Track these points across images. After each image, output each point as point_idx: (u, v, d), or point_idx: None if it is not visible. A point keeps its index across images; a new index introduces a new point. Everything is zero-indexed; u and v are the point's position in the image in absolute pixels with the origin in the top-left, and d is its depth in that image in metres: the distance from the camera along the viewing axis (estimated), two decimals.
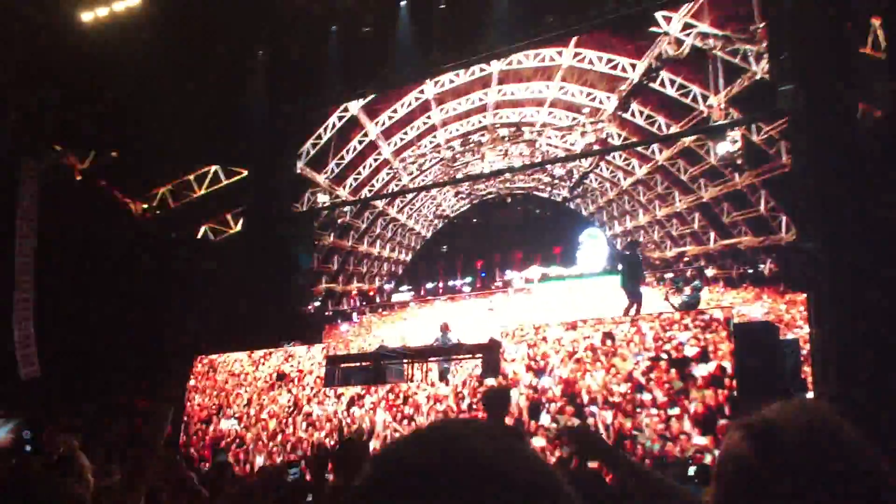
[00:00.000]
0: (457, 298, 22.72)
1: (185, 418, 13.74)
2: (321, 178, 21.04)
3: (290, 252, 18.45)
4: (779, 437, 1.15)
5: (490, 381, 10.76)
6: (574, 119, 21.27)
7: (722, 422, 8.71)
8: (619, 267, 13.57)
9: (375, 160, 22.97)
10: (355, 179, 22.59)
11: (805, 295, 11.99)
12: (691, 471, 7.80)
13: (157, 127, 15.61)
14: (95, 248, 16.40)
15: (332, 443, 11.41)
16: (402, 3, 16.76)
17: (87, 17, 15.21)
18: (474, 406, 10.67)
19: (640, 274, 13.23)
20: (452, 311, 21.29)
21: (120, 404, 15.48)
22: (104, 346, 15.94)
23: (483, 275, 23.29)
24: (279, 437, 12.35)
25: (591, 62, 19.06)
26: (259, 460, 12.16)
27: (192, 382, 14.04)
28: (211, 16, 15.53)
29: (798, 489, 1.08)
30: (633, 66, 18.35)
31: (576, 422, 9.76)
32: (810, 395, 9.75)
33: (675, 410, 9.14)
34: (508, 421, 10.07)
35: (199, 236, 19.12)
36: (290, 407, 12.53)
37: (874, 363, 9.15)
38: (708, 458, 8.45)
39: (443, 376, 12.44)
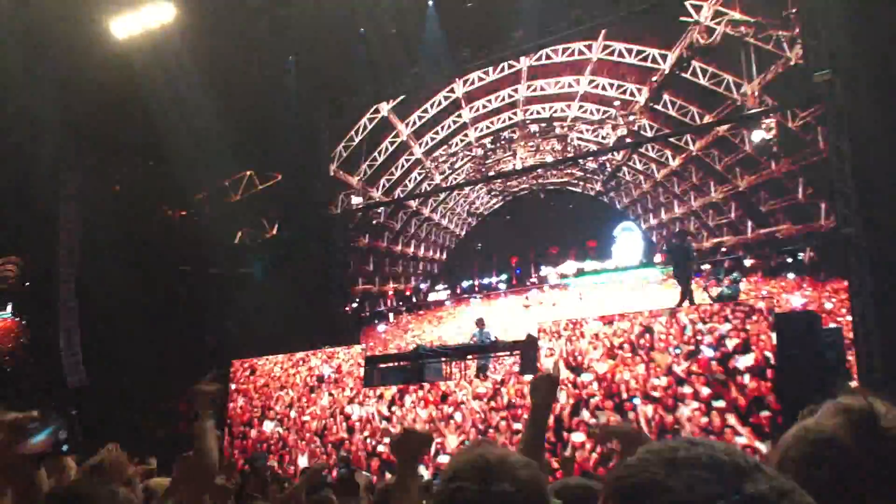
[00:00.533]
0: (492, 296, 22.68)
1: (228, 421, 13.93)
2: (354, 180, 21.17)
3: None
4: (882, 426, 1.09)
5: (528, 378, 10.76)
6: (605, 112, 21.12)
7: (765, 413, 8.62)
8: (666, 258, 13.19)
9: (407, 160, 23.02)
10: (388, 180, 22.67)
11: (846, 283, 11.81)
12: None
13: (192, 135, 15.84)
14: (136, 255, 16.69)
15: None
16: (430, 3, 16.79)
17: (120, 32, 15.48)
18: (513, 402, 10.68)
19: (689, 263, 12.97)
20: (489, 309, 21.28)
21: (162, 409, 15.75)
22: (146, 351, 16.21)
23: (518, 271, 23.19)
24: (321, 439, 12.48)
25: (621, 54, 18.91)
26: (302, 461, 12.30)
27: (233, 386, 14.22)
28: (241, 25, 15.73)
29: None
30: (664, 56, 18.17)
31: (617, 418, 9.72)
32: (854, 383, 9.60)
33: (720, 403, 9.06)
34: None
35: (236, 241, 19.35)
36: (330, 408, 12.65)
37: None
38: (756, 456, 8.37)
39: (482, 373, 12.45)
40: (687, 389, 9.32)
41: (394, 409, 11.84)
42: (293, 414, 13.06)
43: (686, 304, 11.55)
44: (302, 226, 18.81)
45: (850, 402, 1.17)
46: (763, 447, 8.38)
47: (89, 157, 17.10)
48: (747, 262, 16.24)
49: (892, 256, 10.00)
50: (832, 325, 10.89)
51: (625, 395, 9.78)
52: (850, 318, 11.44)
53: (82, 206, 17.00)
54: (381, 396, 12.12)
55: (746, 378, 8.92)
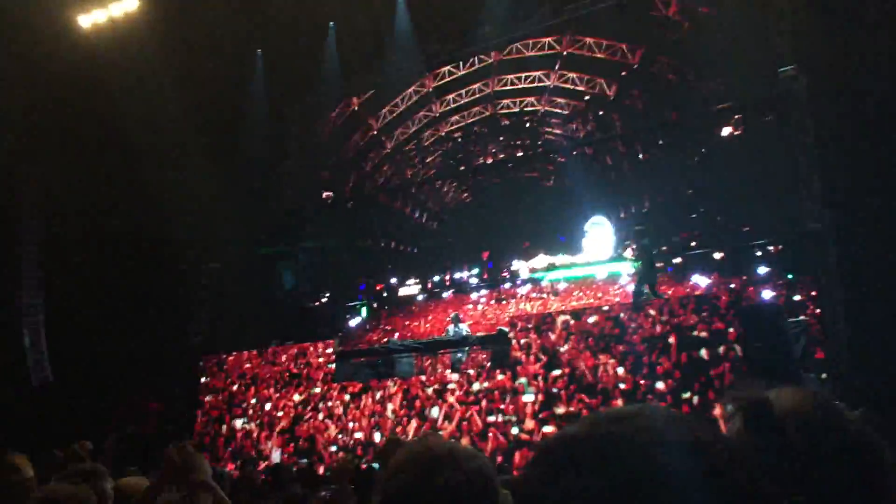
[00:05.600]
0: (465, 290, 22.73)
1: (198, 417, 13.79)
2: (325, 174, 21.08)
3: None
4: (772, 414, 1.16)
5: (500, 377, 10.79)
6: (575, 107, 21.24)
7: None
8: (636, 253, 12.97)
9: (379, 155, 22.99)
10: (359, 174, 22.61)
11: (813, 277, 11.99)
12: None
13: (158, 128, 15.59)
14: (101, 250, 16.41)
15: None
16: None
17: (85, 22, 15.21)
18: (480, 397, 10.69)
19: (652, 260, 12.91)
20: (461, 303, 21.33)
21: (132, 406, 15.54)
22: (113, 347, 15.97)
23: (490, 265, 23.27)
24: (293, 434, 12.41)
25: (590, 49, 19.01)
26: (275, 456, 12.22)
27: (203, 380, 14.09)
28: (209, 18, 15.52)
29: (788, 465, 1.09)
30: (633, 51, 18.30)
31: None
32: (824, 375, 9.76)
33: (686, 395, 9.16)
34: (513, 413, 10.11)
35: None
36: (302, 403, 12.58)
37: (885, 342, 9.14)
38: None
39: (455, 368, 12.42)
40: (658, 383, 9.40)
41: (362, 403, 11.81)
42: (266, 408, 12.96)
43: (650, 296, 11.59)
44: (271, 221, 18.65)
45: (745, 394, 1.24)
46: None
47: (53, 150, 16.76)
48: (717, 256, 16.42)
49: (857, 250, 10.15)
50: (800, 318, 11.05)
51: (597, 388, 9.83)
52: (817, 311, 11.62)
53: (46, 200, 16.67)
54: (350, 391, 12.08)
55: (716, 370, 9.02)
